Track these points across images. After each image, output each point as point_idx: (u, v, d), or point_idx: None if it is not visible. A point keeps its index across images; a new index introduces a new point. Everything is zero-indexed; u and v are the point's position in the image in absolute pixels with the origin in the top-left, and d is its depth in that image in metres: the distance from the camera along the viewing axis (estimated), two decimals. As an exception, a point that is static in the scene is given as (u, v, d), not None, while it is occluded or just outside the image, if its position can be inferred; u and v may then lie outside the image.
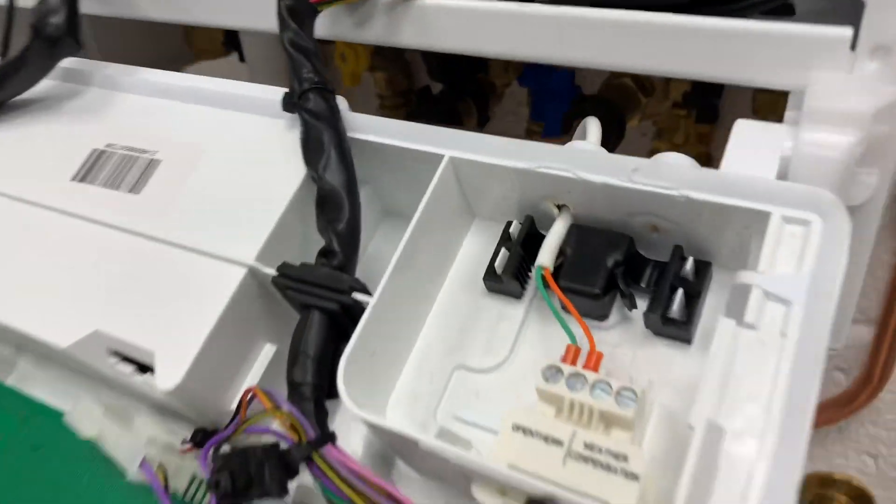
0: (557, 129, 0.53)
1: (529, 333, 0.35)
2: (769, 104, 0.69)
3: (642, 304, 0.34)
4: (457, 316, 0.37)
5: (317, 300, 0.33)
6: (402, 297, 0.34)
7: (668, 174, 0.31)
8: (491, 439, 0.33)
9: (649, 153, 0.68)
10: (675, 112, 0.69)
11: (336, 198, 0.35)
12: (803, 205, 0.29)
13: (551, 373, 0.30)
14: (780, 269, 0.28)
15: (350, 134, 0.38)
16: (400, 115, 0.60)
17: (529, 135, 0.73)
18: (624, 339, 0.34)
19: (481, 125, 0.64)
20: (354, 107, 0.39)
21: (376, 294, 0.32)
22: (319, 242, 0.35)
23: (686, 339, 0.33)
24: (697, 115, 0.62)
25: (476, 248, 0.38)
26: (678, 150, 0.76)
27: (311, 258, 0.35)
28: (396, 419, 0.34)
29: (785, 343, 0.27)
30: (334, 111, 0.37)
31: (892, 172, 0.32)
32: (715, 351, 0.27)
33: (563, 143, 0.38)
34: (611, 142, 0.57)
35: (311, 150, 0.36)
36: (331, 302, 0.33)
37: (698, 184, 0.31)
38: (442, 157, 0.36)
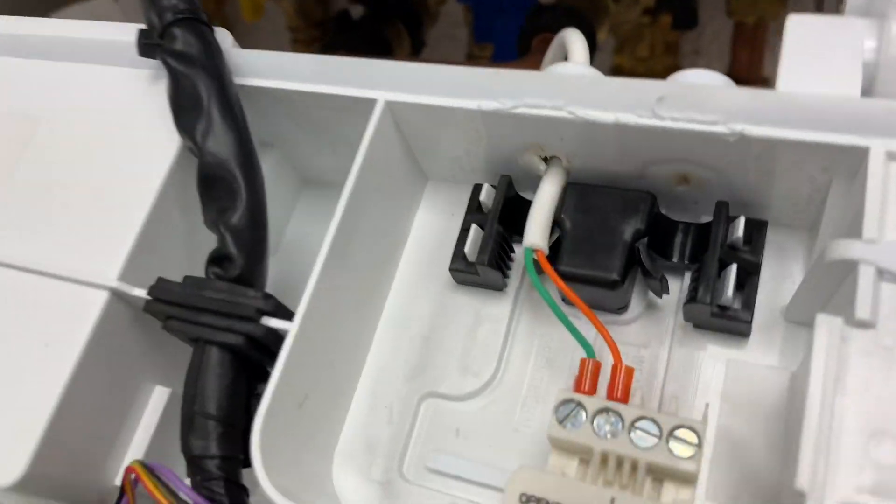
0: (512, 50, 0.42)
1: (522, 335, 0.26)
2: (748, 3, 0.59)
3: (674, 285, 0.25)
4: (418, 323, 0.27)
5: (211, 333, 0.23)
6: (339, 309, 0.24)
7: (709, 102, 0.21)
8: (484, 496, 0.24)
9: (611, 71, 0.57)
10: (640, 20, 0.59)
11: (225, 176, 0.24)
12: (918, 131, 0.20)
13: (568, 410, 0.21)
14: (892, 232, 0.19)
15: (240, 80, 0.27)
16: (315, 51, 0.48)
17: (473, 62, 0.62)
18: (652, 337, 0.24)
19: (416, 54, 0.53)
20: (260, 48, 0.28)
21: (298, 315, 0.22)
22: (210, 243, 0.24)
23: (743, 332, 0.23)
24: (674, 20, 0.52)
25: (434, 224, 0.28)
26: (644, 64, 0.66)
27: (199, 268, 0.24)
28: (346, 486, 0.24)
29: (922, 347, 0.18)
30: (212, 50, 0.26)
31: None
32: (816, 369, 0.18)
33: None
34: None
35: (184, 111, 0.25)
36: (232, 334, 0.23)
37: (754, 113, 0.21)
38: (374, 101, 0.25)
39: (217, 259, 0.24)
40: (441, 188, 0.29)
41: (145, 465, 0.22)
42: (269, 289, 0.26)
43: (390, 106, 0.25)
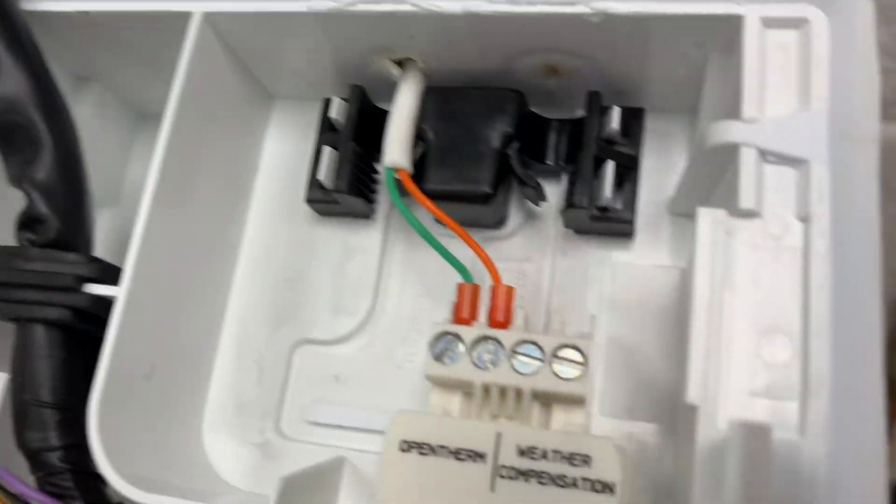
0: None
1: (396, 266, 0.23)
2: None
3: (553, 189, 0.22)
4: (281, 263, 0.24)
5: (30, 309, 0.19)
6: (180, 262, 0.21)
7: (567, -21, 0.19)
8: (374, 442, 0.22)
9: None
10: None
11: (22, 122, 0.20)
12: (792, -7, 0.18)
13: (443, 345, 0.19)
14: (773, 108, 0.17)
15: (27, 5, 0.22)
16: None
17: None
18: (534, 250, 0.23)
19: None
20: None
21: (125, 277, 0.19)
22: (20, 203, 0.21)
23: (627, 233, 0.22)
24: None
25: (287, 150, 0.25)
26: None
27: (7, 235, 0.21)
28: (221, 454, 0.22)
29: (812, 230, 0.16)
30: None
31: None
32: (700, 267, 0.16)
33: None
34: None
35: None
36: (53, 308, 0.19)
37: (618, -13, 0.18)
38: (189, 15, 0.21)
39: (27, 223, 0.20)
40: (290, 107, 0.25)
41: (-24, 470, 0.20)
42: (111, 246, 0.23)
43: (209, 18, 0.21)
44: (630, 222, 0.21)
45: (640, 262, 0.22)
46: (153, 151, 0.20)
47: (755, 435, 0.13)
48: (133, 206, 0.27)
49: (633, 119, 0.21)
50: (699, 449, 0.15)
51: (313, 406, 0.22)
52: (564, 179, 0.22)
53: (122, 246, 0.25)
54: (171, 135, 0.20)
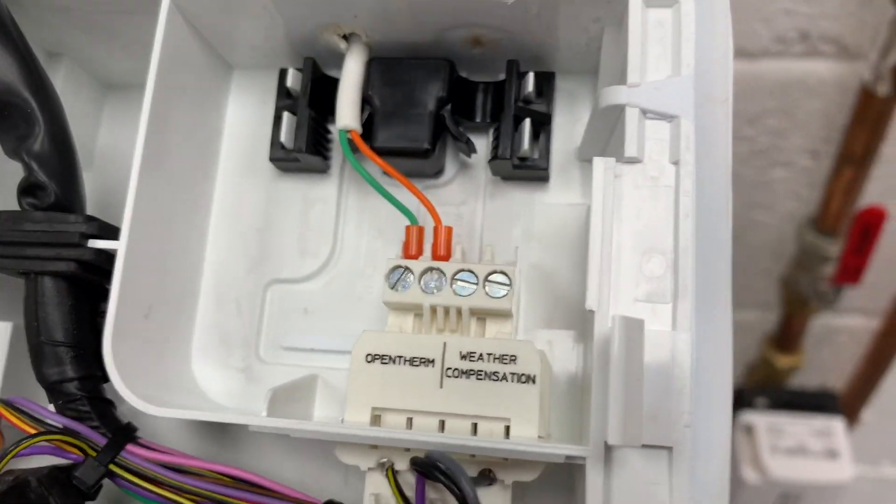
0: None
1: (352, 212, 0.27)
2: None
3: (482, 142, 0.26)
4: (250, 214, 0.27)
5: (41, 264, 0.23)
6: (165, 216, 0.25)
7: (485, -33, 0.22)
8: (341, 361, 0.26)
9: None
10: None
11: (16, 102, 0.23)
12: (666, -22, 0.22)
13: (397, 276, 0.23)
14: (652, 74, 0.22)
15: (5, -9, 0.24)
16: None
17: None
18: (469, 194, 0.27)
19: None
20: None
21: (123, 232, 0.22)
22: (19, 172, 0.23)
23: (544, 178, 0.26)
24: None
25: (248, 114, 0.28)
26: None
27: (10, 200, 0.24)
28: (209, 379, 0.26)
29: (681, 171, 0.21)
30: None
31: None
32: (596, 203, 0.21)
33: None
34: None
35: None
36: (61, 262, 0.23)
37: (527, -26, 0.22)
38: (158, 0, 0.24)
39: (28, 189, 0.23)
40: (248, 76, 0.28)
41: (3, 402, 0.23)
42: (90, 206, 0.26)
43: (176, 2, 0.24)
44: (545, 169, 0.25)
45: (555, 201, 0.26)
46: (138, 122, 0.23)
47: (632, 325, 0.18)
48: (106, 169, 0.30)
49: (546, 81, 0.25)
50: (595, 343, 0.20)
51: (286, 334, 0.26)
52: (490, 134, 0.26)
53: (103, 204, 0.28)
54: (150, 108, 0.23)
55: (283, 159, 0.26)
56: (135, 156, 0.23)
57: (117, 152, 0.30)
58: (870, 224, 0.69)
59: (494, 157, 0.25)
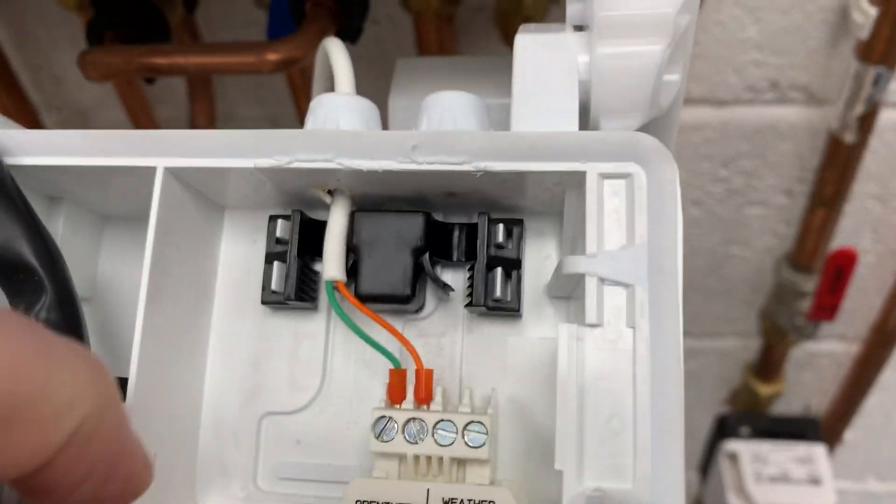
0: (288, 21, 0.42)
1: (339, 347, 0.29)
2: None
3: (458, 276, 0.29)
4: (243, 350, 0.29)
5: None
6: (168, 353, 0.27)
7: (455, 145, 0.24)
8: (334, 490, 0.28)
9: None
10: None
11: (24, 269, 0.25)
12: (620, 154, 0.24)
13: (382, 425, 0.25)
14: (609, 243, 0.24)
15: (11, 160, 0.26)
16: (80, 37, 0.45)
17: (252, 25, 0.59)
18: (448, 326, 0.29)
19: (190, 12, 0.51)
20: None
21: (132, 371, 0.24)
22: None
23: (516, 315, 0.28)
24: None
25: (240, 253, 0.30)
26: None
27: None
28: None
29: (637, 336, 0.23)
30: (-28, 142, 0.25)
31: (688, 62, 0.27)
32: (562, 367, 0.23)
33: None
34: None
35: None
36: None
37: (493, 151, 0.24)
38: (154, 169, 0.26)
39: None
40: (239, 216, 0.30)
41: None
42: (93, 339, 0.28)
43: (171, 171, 0.26)
44: (517, 309, 0.27)
45: (528, 334, 0.28)
46: (137, 253, 0.25)
47: None
48: (107, 298, 0.32)
49: (515, 226, 0.27)
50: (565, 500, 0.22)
51: (281, 465, 0.28)
52: (466, 274, 0.28)
53: (104, 336, 0.30)
54: (151, 255, 0.25)
55: (274, 302, 0.28)
56: (139, 300, 0.25)
57: (116, 281, 0.32)
58: (842, 265, 0.72)
59: (469, 303, 0.27)
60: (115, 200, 0.30)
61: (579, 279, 0.24)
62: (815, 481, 0.84)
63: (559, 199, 0.27)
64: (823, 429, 0.92)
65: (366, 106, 0.28)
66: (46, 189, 0.29)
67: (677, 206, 0.23)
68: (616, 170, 0.24)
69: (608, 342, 0.23)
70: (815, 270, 0.78)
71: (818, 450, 0.86)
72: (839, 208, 0.74)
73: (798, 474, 0.84)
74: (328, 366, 0.29)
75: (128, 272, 0.32)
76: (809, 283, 0.78)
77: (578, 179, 0.25)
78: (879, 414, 0.99)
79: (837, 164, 0.70)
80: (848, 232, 0.79)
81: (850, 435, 0.99)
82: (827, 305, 0.75)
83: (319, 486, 0.28)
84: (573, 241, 0.26)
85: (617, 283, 0.23)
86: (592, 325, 0.23)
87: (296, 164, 0.25)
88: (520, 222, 0.28)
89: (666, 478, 0.22)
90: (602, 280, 0.23)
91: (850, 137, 0.67)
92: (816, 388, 0.98)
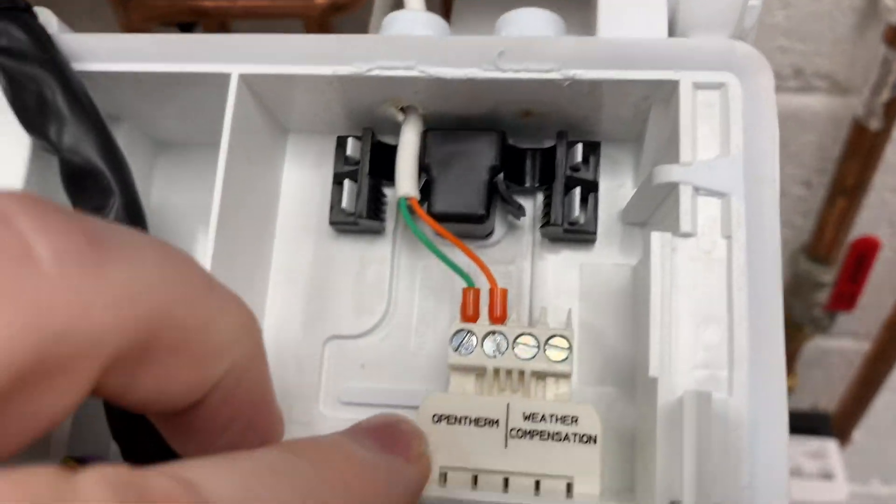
0: None
1: (404, 272, 0.28)
2: None
3: (527, 204, 0.28)
4: (307, 275, 0.29)
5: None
6: (232, 276, 0.26)
7: (544, 51, 0.24)
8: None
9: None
10: None
11: (93, 173, 0.24)
12: (714, 63, 0.23)
13: (460, 339, 0.24)
14: (703, 153, 0.23)
15: (78, 66, 0.26)
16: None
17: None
18: (517, 254, 0.28)
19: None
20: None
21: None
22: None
23: (590, 241, 0.27)
24: None
25: (303, 177, 0.29)
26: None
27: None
28: (276, 435, 0.27)
29: (734, 246, 0.22)
30: (43, 41, 0.25)
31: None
32: (654, 275, 0.22)
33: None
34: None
35: (30, 111, 0.24)
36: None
37: (582, 59, 0.24)
38: (228, 76, 0.25)
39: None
40: (303, 140, 0.30)
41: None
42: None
43: (245, 79, 0.25)
44: (594, 233, 0.27)
45: (600, 261, 0.27)
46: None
47: (701, 398, 0.20)
48: (160, 225, 0.31)
49: (592, 151, 0.27)
50: (660, 409, 0.21)
51: (345, 389, 0.28)
52: (538, 197, 0.28)
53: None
54: (224, 173, 0.24)
55: (343, 223, 0.27)
56: (210, 223, 0.24)
57: (169, 207, 0.31)
58: (864, 253, 0.71)
59: (546, 223, 0.26)
60: (175, 120, 0.29)
61: (670, 190, 0.23)
62: (827, 476, 0.83)
63: (639, 122, 0.26)
64: (832, 427, 0.92)
65: (439, 22, 0.27)
66: (107, 106, 0.28)
67: (774, 117, 0.23)
68: (710, 79, 0.23)
69: (702, 252, 0.22)
70: (834, 262, 0.77)
71: (830, 445, 0.86)
72: (860, 198, 0.74)
73: (810, 469, 0.84)
74: (394, 291, 0.28)
75: (180, 198, 0.31)
76: (827, 275, 0.78)
77: (668, 92, 0.24)
78: (887, 415, 0.99)
79: (860, 152, 0.70)
80: (865, 225, 0.79)
81: (858, 436, 0.99)
82: (846, 294, 0.75)
83: (384, 411, 0.27)
84: (655, 164, 0.26)
85: (712, 193, 0.23)
86: (686, 235, 0.22)
87: (376, 72, 0.25)
88: (597, 145, 0.27)
89: (766, 388, 0.21)
90: (696, 189, 0.23)
91: (875, 124, 0.67)
92: (826, 387, 0.97)
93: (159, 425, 0.18)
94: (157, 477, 0.12)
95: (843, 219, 0.75)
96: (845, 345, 0.92)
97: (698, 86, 0.23)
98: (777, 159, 0.23)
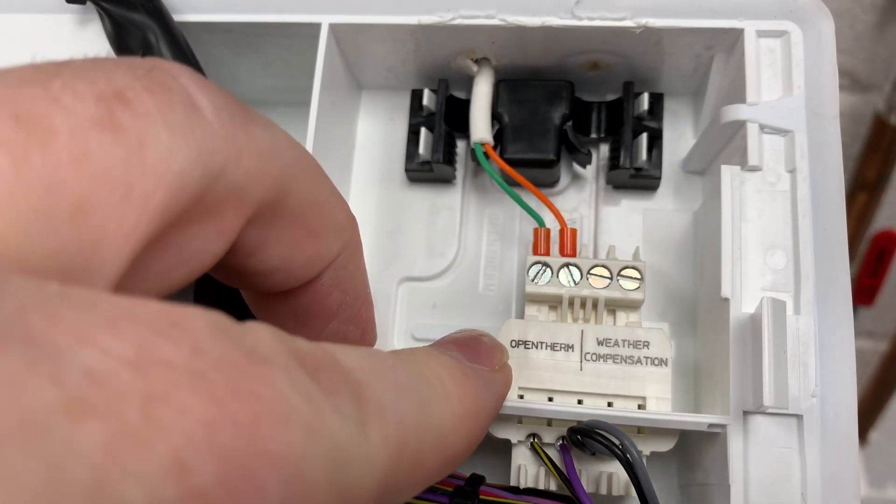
0: None
1: (473, 218, 0.30)
2: None
3: (593, 156, 0.30)
4: (382, 220, 0.30)
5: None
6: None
7: (617, 1, 0.26)
8: (467, 352, 0.28)
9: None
10: None
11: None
12: (776, 13, 0.25)
13: (537, 270, 0.26)
14: (766, 95, 0.25)
15: (177, 17, 0.27)
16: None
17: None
18: (581, 201, 0.30)
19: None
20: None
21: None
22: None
23: (654, 187, 0.29)
24: None
25: (376, 130, 0.31)
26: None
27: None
28: (357, 365, 0.28)
29: (798, 177, 0.24)
30: (148, -11, 0.26)
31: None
32: (725, 205, 0.24)
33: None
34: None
35: (134, 55, 0.26)
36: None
37: (653, 7, 0.25)
38: (319, 25, 0.27)
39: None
40: (376, 96, 0.31)
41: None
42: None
43: (333, 29, 0.27)
44: (658, 178, 0.28)
45: (662, 207, 0.29)
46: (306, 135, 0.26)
47: (777, 305, 0.21)
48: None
49: (656, 101, 0.28)
50: (732, 325, 0.22)
51: (417, 327, 0.29)
52: (602, 148, 0.29)
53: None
54: (316, 126, 0.26)
55: (417, 170, 0.29)
56: None
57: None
58: (885, 247, 0.73)
59: (614, 166, 0.28)
60: (257, 76, 0.31)
61: (736, 130, 0.25)
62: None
63: (698, 75, 0.28)
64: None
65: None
66: (198, 57, 0.30)
67: (834, 60, 0.25)
68: (773, 27, 0.25)
69: (768, 184, 0.24)
70: (854, 256, 0.79)
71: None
72: (880, 193, 0.75)
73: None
74: (463, 236, 0.30)
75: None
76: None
77: (731, 40, 0.26)
78: (899, 417, 1.00)
79: (881, 147, 0.71)
80: (886, 219, 0.80)
81: (875, 436, 0.99)
82: (867, 288, 0.76)
83: (457, 347, 0.28)
84: (715, 112, 0.27)
85: (776, 131, 0.24)
86: (752, 169, 0.24)
87: (458, 21, 0.26)
88: (661, 96, 0.29)
89: (833, 308, 0.23)
90: (762, 127, 0.24)
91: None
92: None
93: (275, 311, 0.19)
94: (304, 342, 0.13)
95: (864, 213, 0.76)
96: (862, 344, 0.93)
97: (761, 34, 0.25)
98: (837, 98, 0.24)
